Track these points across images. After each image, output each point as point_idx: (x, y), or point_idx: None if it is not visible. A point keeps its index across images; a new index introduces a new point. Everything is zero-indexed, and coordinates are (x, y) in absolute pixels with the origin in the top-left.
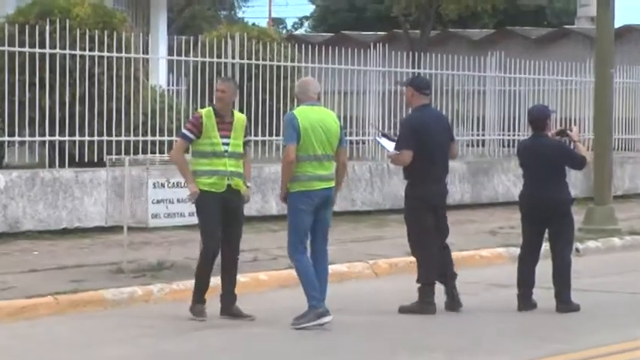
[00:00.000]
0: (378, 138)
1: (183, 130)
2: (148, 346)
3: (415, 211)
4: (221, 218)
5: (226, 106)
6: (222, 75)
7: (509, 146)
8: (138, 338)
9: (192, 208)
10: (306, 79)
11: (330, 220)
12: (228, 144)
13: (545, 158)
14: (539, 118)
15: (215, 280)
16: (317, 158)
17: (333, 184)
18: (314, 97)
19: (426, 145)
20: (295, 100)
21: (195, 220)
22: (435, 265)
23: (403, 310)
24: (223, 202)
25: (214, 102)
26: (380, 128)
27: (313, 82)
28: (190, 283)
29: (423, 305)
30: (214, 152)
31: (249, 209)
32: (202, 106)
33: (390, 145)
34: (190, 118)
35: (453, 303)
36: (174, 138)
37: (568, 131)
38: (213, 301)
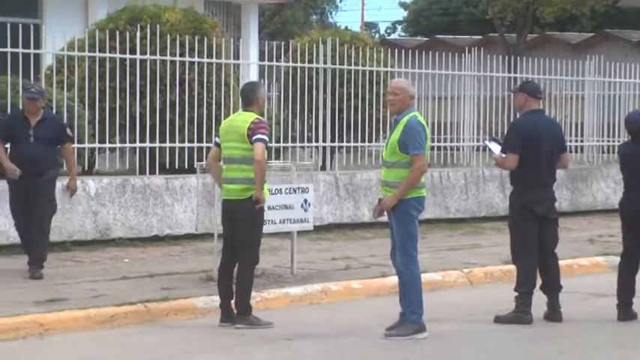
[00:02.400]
0: (487, 142)
1: (264, 136)
2: (240, 355)
3: (518, 218)
4: None
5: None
6: (314, 80)
7: (608, 152)
8: (229, 347)
9: (283, 215)
10: (406, 81)
11: None
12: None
13: None
14: (634, 128)
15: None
16: (429, 166)
17: None
18: (414, 101)
19: (533, 151)
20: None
21: (285, 227)
22: (534, 274)
23: (499, 319)
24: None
25: (257, 108)
26: (492, 134)
27: (410, 83)
28: (283, 292)
29: (520, 315)
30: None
31: (340, 217)
32: (294, 112)
33: (497, 149)
34: (258, 122)
35: (554, 315)
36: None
37: None
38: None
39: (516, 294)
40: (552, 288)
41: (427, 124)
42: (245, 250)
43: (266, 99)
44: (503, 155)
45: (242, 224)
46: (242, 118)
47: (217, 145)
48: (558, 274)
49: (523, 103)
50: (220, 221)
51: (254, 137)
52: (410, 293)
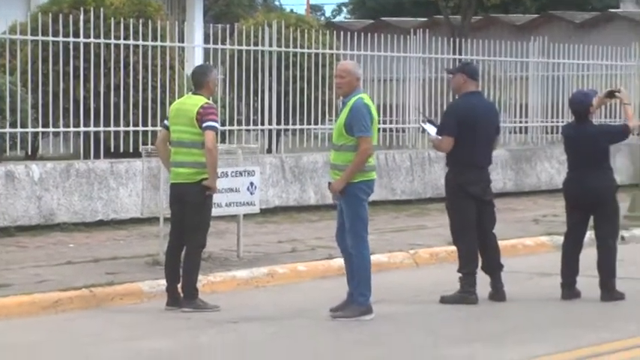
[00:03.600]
0: (422, 123)
1: (215, 123)
2: (186, 338)
3: (454, 200)
4: None
5: None
6: (260, 63)
7: (552, 133)
8: (175, 331)
9: (229, 198)
10: (353, 63)
11: None
12: None
13: (588, 144)
14: (579, 108)
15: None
16: (376, 148)
17: None
18: (361, 83)
19: (469, 133)
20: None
21: (232, 210)
22: (475, 254)
23: (444, 300)
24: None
25: (207, 92)
26: (426, 114)
27: (358, 66)
28: (229, 275)
29: (465, 295)
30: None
31: (287, 199)
32: (239, 95)
33: (433, 131)
34: (207, 107)
35: (497, 295)
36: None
37: (617, 93)
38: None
39: (460, 275)
40: (493, 268)
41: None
42: (193, 234)
43: (218, 83)
44: (440, 137)
45: (191, 208)
46: (191, 102)
47: (166, 127)
48: (498, 254)
49: (461, 85)
50: (168, 205)
51: (204, 124)
52: (359, 275)
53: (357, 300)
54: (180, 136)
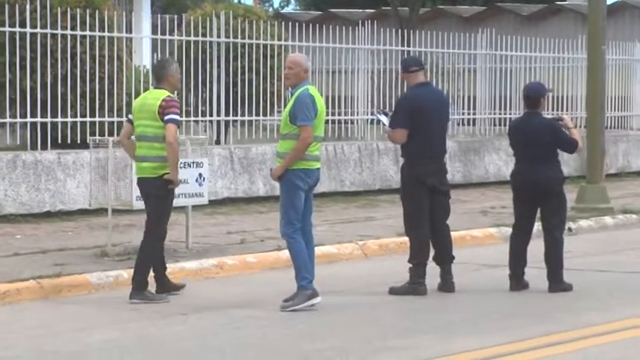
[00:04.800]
0: (377, 114)
1: (176, 116)
2: (135, 330)
3: (409, 190)
4: None
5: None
6: (208, 54)
7: (500, 125)
8: (124, 322)
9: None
10: (302, 56)
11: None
12: None
13: (537, 137)
14: (534, 96)
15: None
16: (320, 139)
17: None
18: (309, 75)
19: (422, 124)
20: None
21: (180, 202)
22: (427, 245)
23: (393, 291)
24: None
25: (168, 85)
26: (382, 107)
27: (307, 58)
28: (178, 267)
29: (414, 286)
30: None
31: (235, 191)
32: (187, 86)
33: (387, 121)
34: (169, 101)
35: (446, 286)
36: None
37: (560, 122)
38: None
39: (410, 265)
40: (444, 259)
41: (321, 98)
42: (152, 225)
43: (179, 75)
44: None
45: (153, 200)
46: (153, 96)
47: (130, 122)
48: (450, 245)
49: (409, 79)
50: (116, 196)
51: (165, 117)
52: (295, 261)
53: (301, 284)
54: (144, 130)
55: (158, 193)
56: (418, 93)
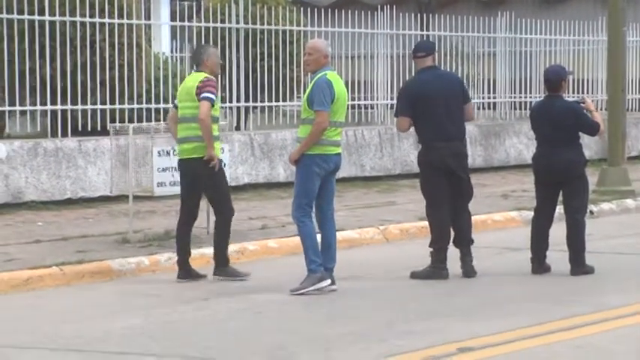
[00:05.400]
0: None
1: (210, 94)
2: (157, 316)
3: (424, 175)
4: None
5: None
6: (227, 40)
7: (520, 109)
8: (146, 309)
9: None
10: (322, 41)
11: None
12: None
13: (558, 120)
14: (554, 79)
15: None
16: (339, 125)
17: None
18: (329, 60)
19: (427, 108)
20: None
21: None
22: (447, 230)
23: (415, 275)
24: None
25: (206, 69)
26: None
27: (328, 44)
28: (199, 252)
29: (435, 270)
30: (218, 117)
31: (256, 176)
32: None
33: None
34: (206, 80)
35: (465, 268)
36: None
37: (582, 104)
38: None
39: (431, 250)
40: (462, 241)
41: (342, 83)
42: (218, 206)
43: (217, 59)
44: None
45: (205, 182)
46: (192, 79)
47: (175, 107)
48: (469, 228)
49: (418, 64)
50: (137, 183)
51: (200, 95)
52: (303, 244)
53: (310, 268)
54: (184, 112)
55: (206, 174)
56: (421, 79)
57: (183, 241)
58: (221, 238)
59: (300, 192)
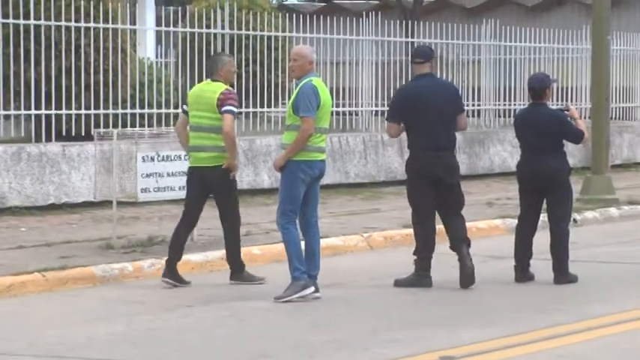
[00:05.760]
0: None
1: (233, 107)
2: (140, 322)
3: (411, 183)
4: None
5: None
6: (212, 46)
7: (505, 116)
8: (129, 315)
9: (183, 181)
10: (308, 47)
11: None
12: None
13: (542, 127)
14: (539, 87)
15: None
16: (324, 131)
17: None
18: (314, 67)
19: (419, 116)
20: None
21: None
22: (432, 239)
23: (399, 283)
24: None
25: (224, 77)
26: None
27: (313, 50)
28: (183, 259)
29: (419, 278)
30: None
31: (240, 183)
32: (192, 78)
33: None
34: (227, 93)
35: (465, 269)
36: (163, 111)
37: (566, 112)
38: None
39: (415, 258)
40: (459, 241)
41: (327, 89)
42: (231, 214)
43: (232, 69)
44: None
45: (220, 191)
46: (211, 89)
47: (185, 112)
48: (465, 228)
49: (415, 69)
50: (187, 186)
51: (223, 108)
52: (287, 251)
53: (294, 275)
54: (200, 121)
55: (222, 182)
56: (415, 85)
57: (178, 243)
58: (233, 245)
59: (284, 198)
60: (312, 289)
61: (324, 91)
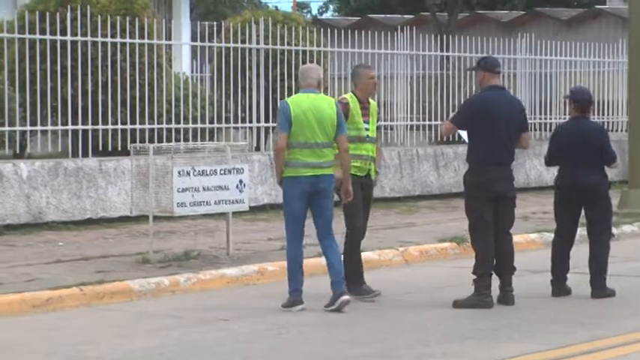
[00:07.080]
0: (459, 131)
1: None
2: (176, 337)
3: (471, 199)
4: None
5: (371, 92)
6: (247, 61)
7: (540, 130)
8: (165, 329)
9: (218, 196)
10: (308, 66)
11: (330, 212)
12: (368, 129)
13: (588, 141)
14: (585, 99)
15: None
16: (307, 145)
17: (327, 171)
18: (313, 83)
19: (485, 128)
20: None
21: (221, 208)
22: (491, 255)
23: (458, 304)
24: (362, 187)
25: (356, 88)
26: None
27: (315, 68)
28: (219, 273)
29: (479, 297)
30: (359, 137)
31: (275, 197)
32: (227, 93)
33: (464, 134)
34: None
35: (505, 298)
36: (198, 125)
37: None
38: (216, 294)
39: (474, 277)
40: (505, 270)
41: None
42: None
43: (365, 81)
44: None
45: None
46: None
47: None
48: (512, 255)
49: (482, 80)
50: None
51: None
52: (287, 266)
53: (288, 290)
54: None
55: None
56: (488, 96)
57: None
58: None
59: (284, 214)
60: (301, 306)
61: (301, 105)
